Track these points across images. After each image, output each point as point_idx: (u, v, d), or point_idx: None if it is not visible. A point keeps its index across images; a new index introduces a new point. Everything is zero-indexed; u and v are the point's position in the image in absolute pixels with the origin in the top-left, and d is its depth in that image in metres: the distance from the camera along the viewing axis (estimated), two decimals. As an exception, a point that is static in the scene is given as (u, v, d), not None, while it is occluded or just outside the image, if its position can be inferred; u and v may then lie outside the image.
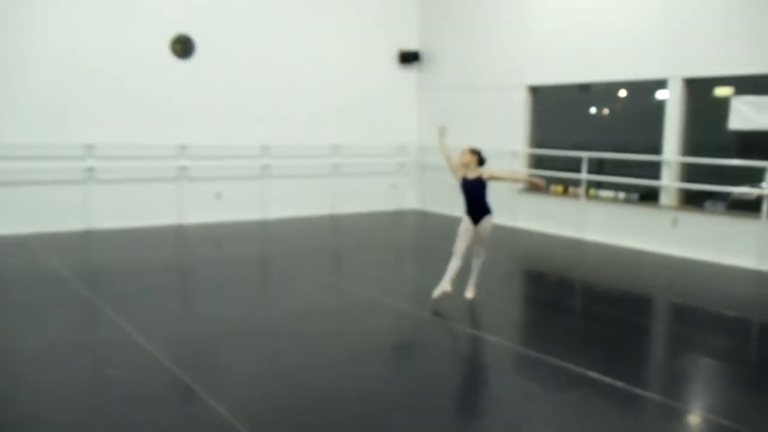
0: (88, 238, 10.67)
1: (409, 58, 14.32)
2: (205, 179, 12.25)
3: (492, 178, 6.93)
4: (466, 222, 6.93)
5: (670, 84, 10.09)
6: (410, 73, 14.59)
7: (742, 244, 9.27)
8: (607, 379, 5.06)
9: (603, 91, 11.67)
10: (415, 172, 14.75)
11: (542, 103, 12.48)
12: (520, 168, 12.37)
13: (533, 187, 7.08)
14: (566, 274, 9.32)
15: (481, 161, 6.96)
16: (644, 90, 10.96)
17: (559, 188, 11.91)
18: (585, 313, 7.43)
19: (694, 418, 4.63)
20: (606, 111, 12.01)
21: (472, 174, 6.92)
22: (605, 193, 11.16)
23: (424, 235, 12.21)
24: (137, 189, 11.57)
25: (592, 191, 11.36)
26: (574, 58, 11.42)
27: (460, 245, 6.90)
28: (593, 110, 12.19)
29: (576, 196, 11.51)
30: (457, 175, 7.02)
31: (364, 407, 4.60)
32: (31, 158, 10.59)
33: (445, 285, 6.88)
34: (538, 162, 12.52)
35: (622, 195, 10.91)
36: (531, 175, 7.02)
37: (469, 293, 7.20)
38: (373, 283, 8.17)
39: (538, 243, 11.24)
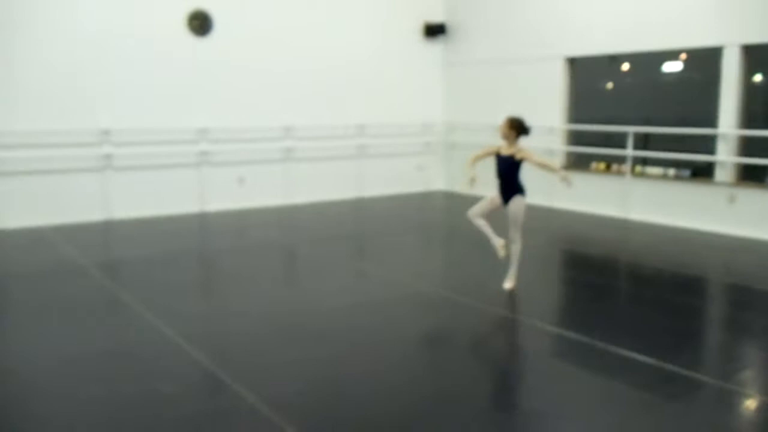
0: (108, 229, 10.10)
1: (434, 30, 13.61)
2: (227, 164, 11.64)
3: (524, 159, 6.29)
4: (495, 194, 6.52)
5: (726, 52, 9.40)
6: (436, 46, 13.89)
7: (809, 221, 8.66)
8: (693, 374, 4.53)
9: (648, 62, 10.97)
10: (442, 152, 14.11)
11: (581, 76, 11.79)
12: (558, 145, 11.75)
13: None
14: (614, 257, 8.73)
15: (522, 131, 6.34)
16: (696, 59, 10.29)
17: (601, 165, 11.28)
18: (643, 300, 6.83)
19: (750, 399, 4.16)
20: (652, 83, 11.32)
21: (506, 150, 6.36)
22: (653, 170, 10.52)
23: (454, 219, 11.59)
24: (157, 176, 10.98)
25: (638, 168, 10.72)
26: (616, 27, 10.72)
27: (476, 207, 6.59)
28: (637, 82, 11.51)
29: (620, 173, 10.87)
30: (492, 153, 6.52)
31: (437, 417, 4.05)
32: (45, 146, 9.98)
33: (496, 241, 6.63)
34: (576, 138, 11.87)
35: (672, 171, 10.27)
36: (561, 170, 6.46)
37: (508, 283, 6.63)
38: (410, 271, 7.65)
39: (579, 224, 10.64)
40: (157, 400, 4.29)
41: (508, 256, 6.59)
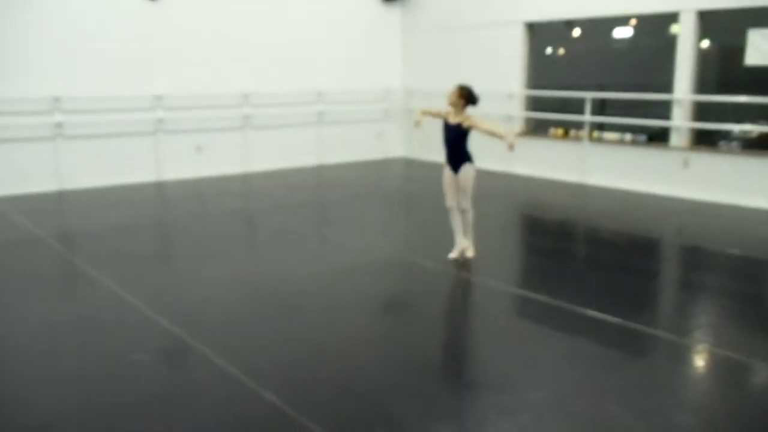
0: (61, 199, 9.83)
1: (393, -5, 13.48)
2: (184, 132, 11.40)
3: (472, 127, 6.18)
4: (446, 172, 6.40)
5: (683, 17, 9.55)
6: (394, 11, 13.75)
7: (759, 184, 8.94)
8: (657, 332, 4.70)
9: (606, 27, 11.09)
10: (401, 118, 14.07)
11: (540, 41, 11.85)
12: (517, 111, 11.82)
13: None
14: (572, 221, 8.93)
15: (470, 100, 6.22)
16: (651, 25, 10.44)
17: (559, 131, 11.42)
18: (602, 262, 6.99)
19: (708, 354, 4.46)
20: (609, 48, 11.45)
21: (454, 118, 6.25)
22: (610, 135, 10.70)
23: (414, 185, 11.66)
24: (112, 144, 10.68)
25: (595, 133, 10.89)
26: (575, -8, 10.78)
27: (448, 198, 6.46)
28: (595, 48, 11.63)
29: (578, 138, 11.03)
30: (441, 115, 6.38)
31: (404, 381, 4.11)
32: (-6, 114, 9.64)
33: (459, 242, 6.55)
34: (535, 104, 11.97)
35: (628, 137, 10.46)
36: (509, 136, 6.27)
37: (467, 252, 6.59)
38: (374, 237, 7.72)
39: (538, 189, 10.80)
40: (134, 371, 4.23)
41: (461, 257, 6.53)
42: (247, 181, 11.53)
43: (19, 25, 9.69)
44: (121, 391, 4.00)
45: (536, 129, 11.93)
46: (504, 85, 11.78)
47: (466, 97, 6.20)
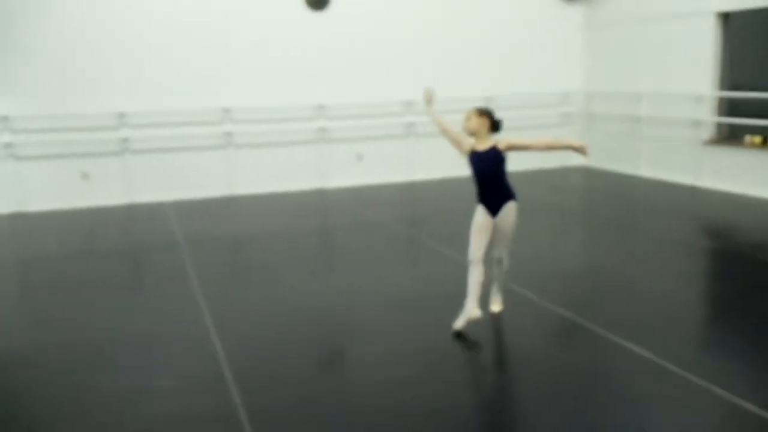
0: (227, 205, 10.55)
1: (574, -8, 12.47)
2: (346, 140, 11.61)
3: (512, 147, 4.90)
4: (479, 214, 5.01)
5: None
6: (575, 10, 12.71)
7: None
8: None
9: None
10: (582, 123, 12.96)
11: (738, 34, 10.14)
12: (706, 115, 10.22)
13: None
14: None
15: (494, 126, 4.96)
16: None
17: (757, 139, 9.66)
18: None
19: None
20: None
21: (482, 145, 4.93)
22: (819, 144, 8.81)
23: (591, 200, 10.57)
24: (277, 153, 11.25)
25: (801, 142, 9.04)
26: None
27: (474, 248, 4.99)
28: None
29: (779, 148, 9.24)
30: (464, 148, 5.04)
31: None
32: (170, 125, 10.61)
33: (471, 309, 4.93)
34: (731, 107, 10.27)
35: (842, 146, 8.52)
36: (574, 142, 5.00)
37: (495, 305, 5.40)
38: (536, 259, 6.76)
39: (729, 208, 9.19)
40: (149, 396, 4.26)
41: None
42: (409, 190, 11.49)
43: (193, 40, 10.57)
44: (126, 415, 4.05)
45: (730, 136, 10.22)
46: (692, 85, 10.25)
47: (489, 116, 4.95)
